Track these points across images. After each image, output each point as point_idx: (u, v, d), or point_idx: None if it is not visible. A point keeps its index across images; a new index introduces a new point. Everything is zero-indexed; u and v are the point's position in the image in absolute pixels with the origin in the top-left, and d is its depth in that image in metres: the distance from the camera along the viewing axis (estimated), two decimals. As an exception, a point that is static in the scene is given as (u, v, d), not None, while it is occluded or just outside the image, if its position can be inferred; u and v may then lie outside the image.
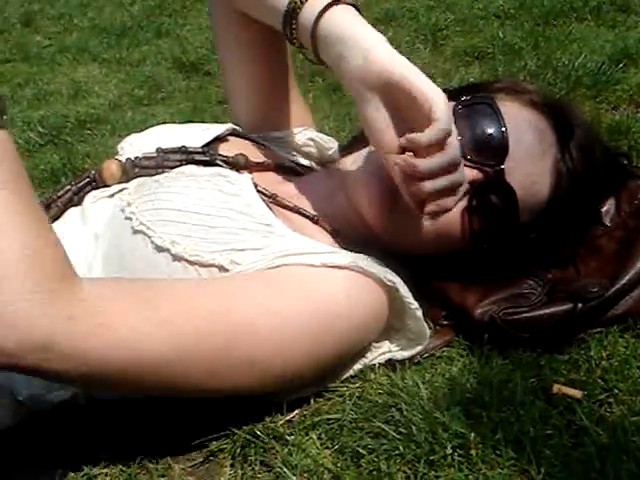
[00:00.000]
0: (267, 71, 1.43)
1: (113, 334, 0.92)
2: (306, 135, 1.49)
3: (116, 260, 1.13)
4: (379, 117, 1.05)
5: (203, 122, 2.19)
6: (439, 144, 1.00)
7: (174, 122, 2.24)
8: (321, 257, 1.10)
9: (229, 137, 1.42)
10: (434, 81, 1.03)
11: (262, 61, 1.41)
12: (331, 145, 1.52)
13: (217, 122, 2.15)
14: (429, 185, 1.02)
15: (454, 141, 1.02)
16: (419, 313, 1.15)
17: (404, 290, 1.14)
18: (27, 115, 2.71)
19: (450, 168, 1.02)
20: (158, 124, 2.24)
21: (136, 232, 1.12)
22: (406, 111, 1.03)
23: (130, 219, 1.14)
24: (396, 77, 1.01)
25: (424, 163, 1.01)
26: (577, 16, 2.76)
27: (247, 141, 1.45)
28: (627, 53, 2.25)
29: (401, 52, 2.35)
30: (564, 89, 2.07)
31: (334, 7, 1.08)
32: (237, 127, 1.47)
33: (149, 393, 1.05)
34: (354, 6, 1.09)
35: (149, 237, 1.11)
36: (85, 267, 1.13)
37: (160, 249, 1.10)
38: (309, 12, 1.09)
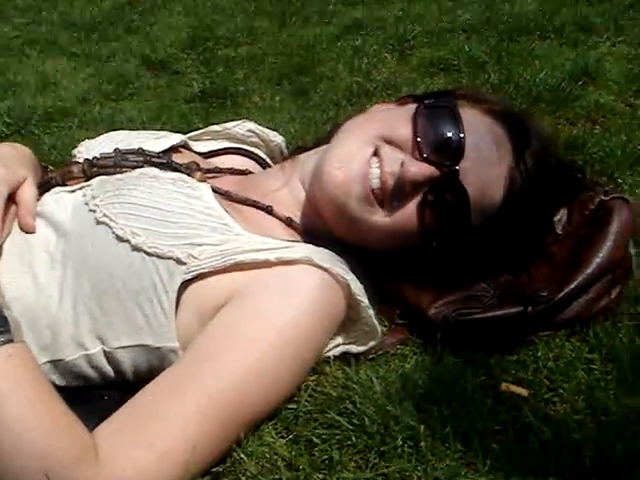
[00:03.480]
0: None
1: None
2: (245, 127, 1.57)
3: (77, 251, 1.15)
4: None
5: (171, 119, 2.23)
6: None
7: (142, 118, 2.28)
8: (276, 252, 1.14)
9: (181, 149, 1.48)
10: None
11: None
12: (275, 139, 1.60)
13: (185, 120, 2.20)
14: None
15: None
16: (371, 311, 1.20)
17: (355, 286, 1.18)
18: (-7, 105, 2.69)
19: None
20: (126, 119, 2.29)
21: (99, 223, 1.16)
22: None
23: (94, 211, 1.18)
24: None
25: None
26: (541, 34, 2.84)
27: (196, 154, 1.51)
28: (587, 71, 2.33)
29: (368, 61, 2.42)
30: (524, 103, 2.13)
31: None
32: (188, 140, 1.52)
33: None
34: None
35: (111, 228, 1.14)
36: (47, 257, 1.16)
37: (120, 239, 1.13)
38: None
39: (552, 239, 1.31)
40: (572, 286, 1.21)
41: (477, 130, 1.24)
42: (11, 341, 1.00)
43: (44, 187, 1.28)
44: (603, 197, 1.30)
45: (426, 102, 1.29)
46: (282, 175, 1.38)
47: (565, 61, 2.48)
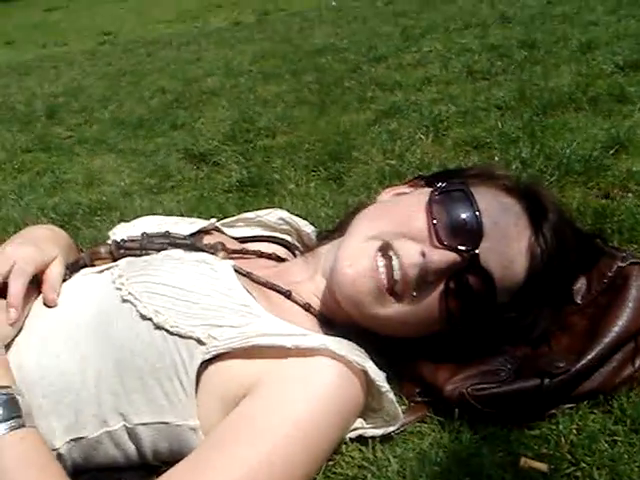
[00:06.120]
0: None
1: None
2: (277, 215, 1.59)
3: (101, 329, 1.18)
4: None
5: (208, 210, 2.28)
6: None
7: (180, 210, 2.33)
8: (293, 340, 1.15)
9: (212, 231, 1.52)
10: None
11: None
12: (305, 228, 1.61)
13: (222, 210, 2.24)
14: None
15: None
16: (391, 395, 1.18)
17: (374, 373, 1.17)
18: (42, 202, 2.79)
19: None
20: (165, 211, 2.35)
21: (124, 301, 1.19)
22: None
23: (120, 289, 1.21)
24: None
25: None
26: (575, 106, 2.85)
27: (228, 237, 1.55)
28: (619, 140, 2.31)
29: (402, 143, 2.44)
30: (555, 176, 2.12)
31: None
32: (219, 224, 1.56)
33: None
34: None
35: (135, 306, 1.17)
36: (70, 336, 1.18)
37: (144, 317, 1.16)
38: None
39: (572, 309, 1.29)
40: (590, 356, 1.18)
41: (493, 209, 1.24)
42: (23, 426, 1.03)
43: (73, 267, 1.32)
44: (620, 263, 1.28)
45: (439, 186, 1.30)
46: (306, 269, 1.39)
47: (598, 131, 2.48)
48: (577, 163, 2.17)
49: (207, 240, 1.44)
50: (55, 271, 1.26)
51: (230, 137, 3.27)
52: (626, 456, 1.09)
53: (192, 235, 1.45)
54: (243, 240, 1.59)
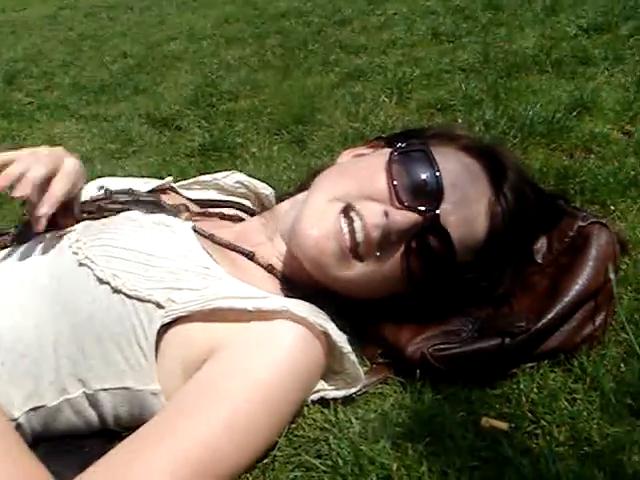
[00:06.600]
0: None
1: None
2: (234, 178, 1.57)
3: (58, 294, 1.15)
4: None
5: (170, 174, 2.25)
6: None
7: (142, 174, 2.29)
8: (254, 302, 1.14)
9: (168, 191, 1.50)
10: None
11: None
12: (264, 191, 1.59)
13: (184, 174, 2.21)
14: None
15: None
16: (353, 357, 1.18)
17: (335, 334, 1.17)
18: (1, 169, 2.74)
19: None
20: (126, 176, 2.30)
21: (81, 265, 1.16)
22: None
23: (76, 254, 1.18)
24: None
25: None
26: (539, 69, 2.84)
27: (185, 199, 1.52)
28: (582, 102, 2.32)
29: (366, 106, 2.42)
30: (518, 137, 2.12)
31: None
32: (175, 185, 1.54)
33: None
34: None
35: (92, 270, 1.15)
36: (27, 300, 1.16)
37: (101, 281, 1.14)
38: None
39: (533, 269, 1.29)
40: (550, 315, 1.18)
41: (454, 169, 1.23)
42: None
43: (29, 233, 1.27)
44: (581, 223, 1.28)
45: (398, 147, 1.28)
46: (264, 230, 1.38)
47: (562, 93, 2.48)
48: (540, 125, 2.17)
49: (165, 199, 1.42)
50: (57, 187, 1.18)
51: (193, 101, 3.22)
52: (585, 414, 1.10)
53: (150, 192, 1.43)
54: (199, 203, 1.56)
